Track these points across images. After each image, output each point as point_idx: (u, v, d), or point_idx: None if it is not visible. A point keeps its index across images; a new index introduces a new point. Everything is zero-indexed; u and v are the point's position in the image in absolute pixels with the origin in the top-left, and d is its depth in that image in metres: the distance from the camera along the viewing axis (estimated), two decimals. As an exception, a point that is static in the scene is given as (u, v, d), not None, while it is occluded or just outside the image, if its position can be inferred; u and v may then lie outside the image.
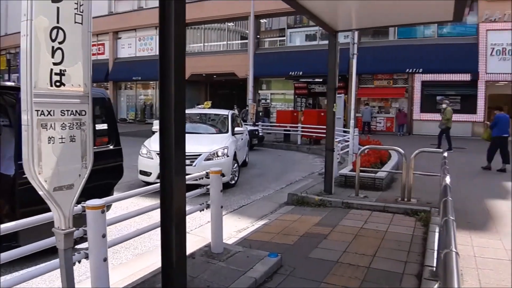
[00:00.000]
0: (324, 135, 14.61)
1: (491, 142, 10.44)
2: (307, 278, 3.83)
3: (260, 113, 22.79)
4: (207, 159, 8.12)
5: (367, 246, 4.72)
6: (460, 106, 21.22)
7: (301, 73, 24.07)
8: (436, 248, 4.29)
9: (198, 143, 8.13)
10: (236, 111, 13.70)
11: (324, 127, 14.73)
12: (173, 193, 2.81)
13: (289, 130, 17.97)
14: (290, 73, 24.48)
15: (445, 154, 6.01)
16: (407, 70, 21.88)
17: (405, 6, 5.85)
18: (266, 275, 3.78)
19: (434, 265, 3.87)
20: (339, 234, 5.18)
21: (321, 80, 23.39)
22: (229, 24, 28.63)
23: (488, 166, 10.34)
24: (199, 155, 8.05)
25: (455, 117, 20.34)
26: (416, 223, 5.76)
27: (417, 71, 21.65)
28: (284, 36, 26.53)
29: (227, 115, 10.28)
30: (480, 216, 6.07)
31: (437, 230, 5.02)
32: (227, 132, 9.61)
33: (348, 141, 11.42)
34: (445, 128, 14.01)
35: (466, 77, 20.72)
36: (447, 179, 3.81)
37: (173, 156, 2.80)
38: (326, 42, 7.73)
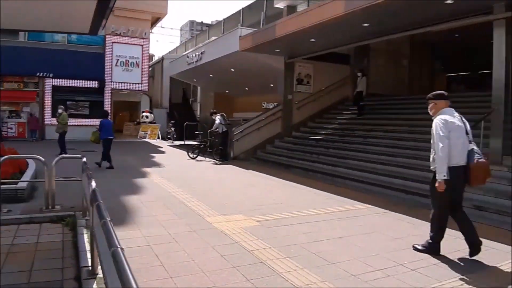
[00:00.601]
0: None
1: (102, 144, 11.88)
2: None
3: None
4: None
5: (22, 262, 4.60)
6: (89, 111, 22.66)
7: None
8: (88, 248, 4.72)
9: None
10: None
11: None
12: None
13: None
14: None
15: (84, 159, 6.32)
16: (38, 73, 21.29)
17: (45, 14, 5.92)
18: None
19: (89, 264, 4.23)
20: (-13, 258, 4.77)
21: None
22: None
23: (111, 166, 11.78)
24: None
25: (84, 122, 21.67)
26: (63, 228, 5.99)
27: (48, 75, 21.43)
28: None
29: None
30: (119, 210, 6.84)
31: (85, 232, 5.43)
32: None
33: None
34: (62, 132, 14.51)
35: (94, 84, 22.33)
36: (93, 184, 4.08)
37: None
38: None
